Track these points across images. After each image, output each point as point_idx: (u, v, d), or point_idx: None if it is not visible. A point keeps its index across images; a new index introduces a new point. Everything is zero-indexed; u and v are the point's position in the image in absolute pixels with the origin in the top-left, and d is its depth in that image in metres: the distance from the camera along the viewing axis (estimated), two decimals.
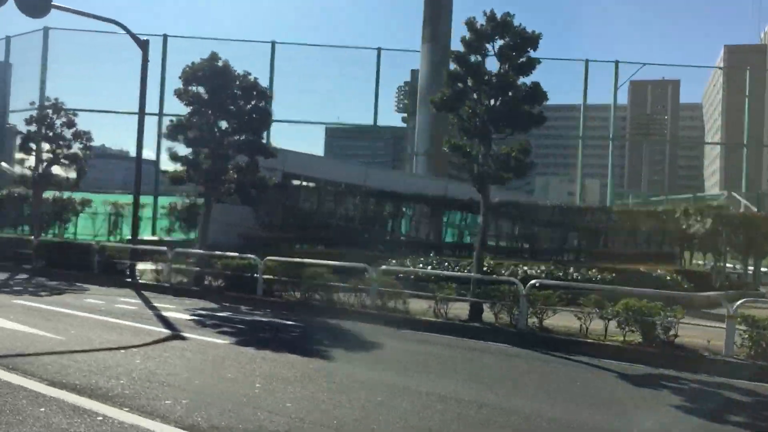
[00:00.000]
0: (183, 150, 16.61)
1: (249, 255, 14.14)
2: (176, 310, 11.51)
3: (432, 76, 24.23)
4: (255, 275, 13.60)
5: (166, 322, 10.00)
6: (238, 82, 15.00)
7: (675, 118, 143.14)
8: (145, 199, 26.22)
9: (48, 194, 26.06)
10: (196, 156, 15.10)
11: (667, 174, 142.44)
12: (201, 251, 15.16)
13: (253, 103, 15.00)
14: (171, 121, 15.09)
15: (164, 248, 15.48)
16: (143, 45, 16.37)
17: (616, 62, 32.48)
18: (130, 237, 24.54)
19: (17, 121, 28.65)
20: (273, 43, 28.37)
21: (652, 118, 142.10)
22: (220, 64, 14.60)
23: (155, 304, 12.31)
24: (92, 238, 23.60)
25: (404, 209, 20.04)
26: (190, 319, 10.45)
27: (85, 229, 24.87)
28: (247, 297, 13.46)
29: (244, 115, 14.85)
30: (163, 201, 26.08)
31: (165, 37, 28.17)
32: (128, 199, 26.04)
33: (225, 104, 14.72)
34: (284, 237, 18.79)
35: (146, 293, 14.21)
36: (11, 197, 25.70)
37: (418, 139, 25.62)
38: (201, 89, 15.11)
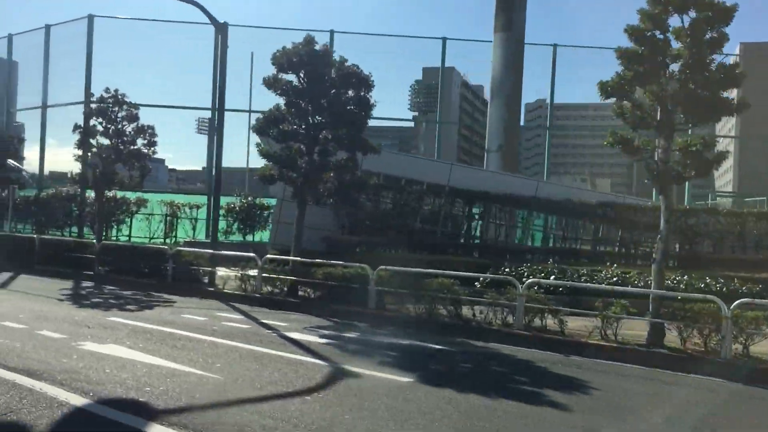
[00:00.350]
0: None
1: (355, 263, 12.61)
2: (295, 330, 9.97)
3: (506, 67, 22.51)
4: (366, 287, 12.05)
5: (305, 348, 8.42)
6: (333, 69, 13.41)
7: None
8: (200, 199, 24.76)
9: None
10: (289, 152, 13.52)
11: None
12: (295, 258, 13.61)
13: (351, 92, 13.39)
14: (262, 113, 13.52)
15: (252, 254, 13.93)
16: (222, 28, 14.83)
17: None
18: (186, 239, 23.17)
19: (62, 114, 27.15)
20: (332, 32, 26.68)
21: None
22: (318, 48, 13.00)
23: (265, 321, 10.77)
24: (148, 241, 22.14)
25: (494, 210, 18.37)
26: (325, 343, 8.88)
27: (139, 231, 23.34)
28: (356, 311, 11.92)
29: (343, 105, 13.26)
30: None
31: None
32: (182, 199, 24.66)
33: (323, 94, 13.13)
34: (368, 241, 17.21)
35: (239, 305, 12.70)
36: (57, 197, 24.24)
37: (489, 135, 23.88)
38: (293, 77, 13.58)
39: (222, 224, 23.80)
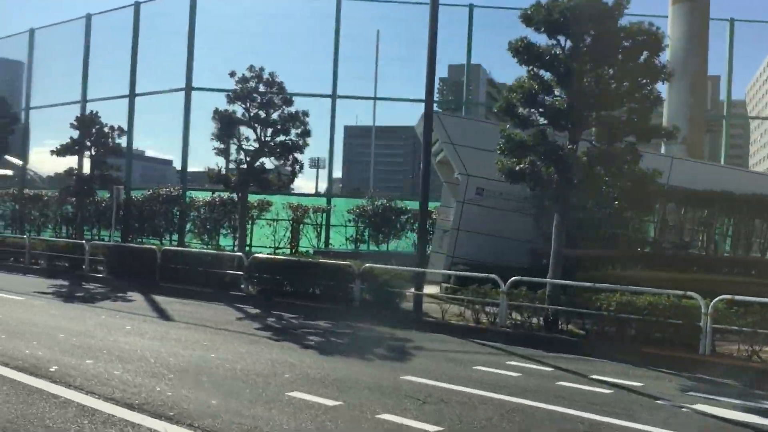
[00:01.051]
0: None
1: (666, 291, 9.22)
2: (664, 392, 6.67)
3: (690, 43, 19.01)
4: (695, 323, 8.67)
5: None
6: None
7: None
8: (317, 202, 21.52)
9: (202, 195, 21.50)
10: (543, 138, 10.16)
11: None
12: (555, 281, 10.26)
13: (639, 58, 10.01)
14: (519, 88, 10.18)
15: (492, 275, 10.57)
16: None
17: None
18: (313, 249, 19.94)
19: (70, 112, 23.49)
20: (471, 6, 23.16)
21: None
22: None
23: (596, 377, 7.40)
24: (273, 251, 18.88)
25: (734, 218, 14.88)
26: None
27: (261, 239, 20.04)
28: (681, 357, 8.59)
29: (630, 75, 9.90)
30: (340, 204, 21.26)
31: (338, 2, 23.13)
32: (307, 201, 21.35)
33: (606, 60, 9.80)
34: (586, 255, 13.80)
35: (490, 343, 9.50)
36: (154, 198, 21.04)
37: (669, 125, 20.24)
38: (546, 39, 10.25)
39: (350, 231, 20.57)
